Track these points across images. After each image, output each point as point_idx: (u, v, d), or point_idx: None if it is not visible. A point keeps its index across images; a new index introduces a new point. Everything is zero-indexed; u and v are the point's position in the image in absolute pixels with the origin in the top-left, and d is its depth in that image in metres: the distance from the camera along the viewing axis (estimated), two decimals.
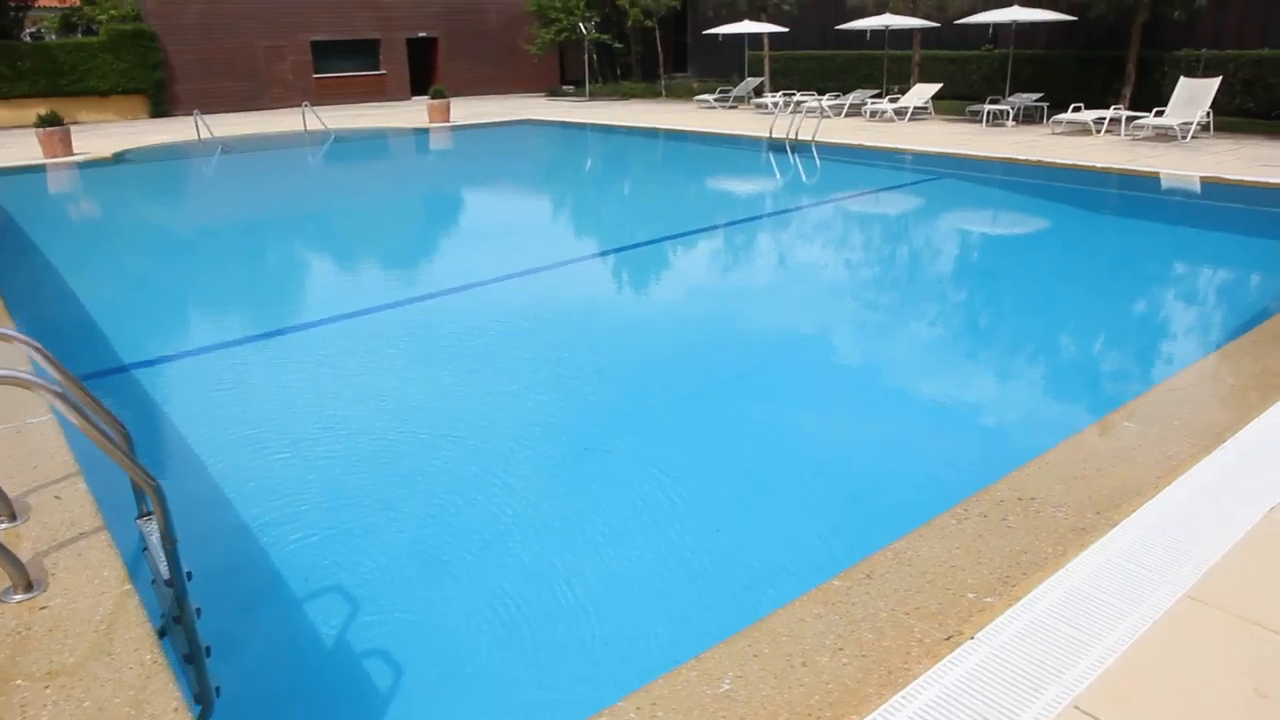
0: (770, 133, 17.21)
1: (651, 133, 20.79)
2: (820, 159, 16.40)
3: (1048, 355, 7.00)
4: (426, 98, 34.12)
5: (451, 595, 3.86)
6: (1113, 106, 18.02)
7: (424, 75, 34.47)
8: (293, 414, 5.81)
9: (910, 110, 20.71)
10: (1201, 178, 12.47)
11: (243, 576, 4.09)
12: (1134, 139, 16.69)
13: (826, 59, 26.80)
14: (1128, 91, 19.85)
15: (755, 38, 26.60)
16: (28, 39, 27.69)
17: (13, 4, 27.23)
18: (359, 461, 5.06)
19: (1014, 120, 19.76)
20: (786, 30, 25.88)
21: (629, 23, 31.20)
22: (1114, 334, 7.35)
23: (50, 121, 17.81)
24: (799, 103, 21.72)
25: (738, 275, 9.72)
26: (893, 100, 21.45)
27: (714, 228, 11.87)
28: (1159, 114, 17.30)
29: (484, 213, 14.32)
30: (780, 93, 24.68)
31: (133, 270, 10.35)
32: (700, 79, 31.95)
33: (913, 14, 22.28)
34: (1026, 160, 14.21)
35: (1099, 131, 17.61)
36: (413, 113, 24.79)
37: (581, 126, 22.45)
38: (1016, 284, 9.06)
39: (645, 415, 5.73)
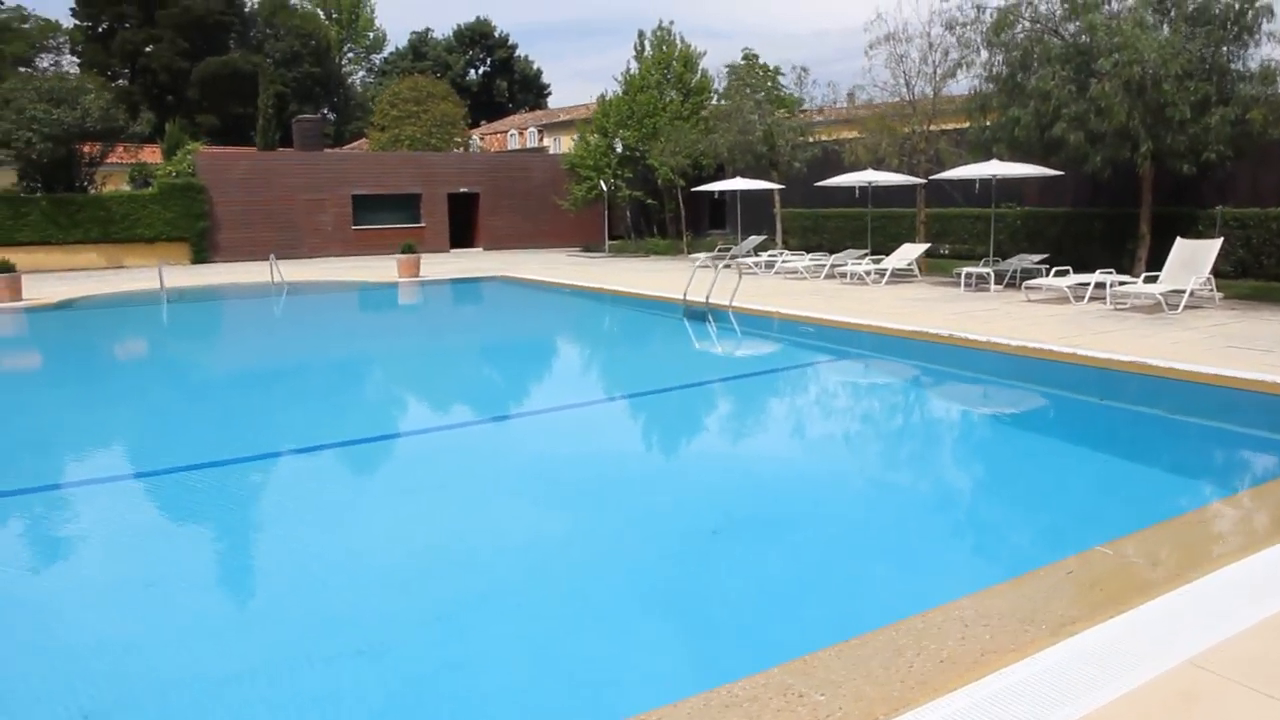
0: (685, 295, 15.57)
1: (595, 294, 19.57)
2: (717, 328, 14.66)
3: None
4: (468, 249, 34.79)
5: None
6: (1098, 271, 15.52)
7: (465, 228, 34.98)
8: None
9: (888, 272, 18.70)
10: (1129, 363, 9.96)
11: None
12: (1116, 309, 14.17)
13: (854, 217, 25.25)
14: (1143, 253, 17.31)
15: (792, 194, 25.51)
16: (93, 191, 29.65)
17: (85, 161, 29.38)
18: None
19: (1001, 284, 17.44)
20: (781, 188, 24.63)
21: (660, 181, 30.79)
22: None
23: (2, 269, 18.28)
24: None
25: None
26: (875, 261, 19.51)
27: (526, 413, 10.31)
28: (1149, 280, 14.74)
29: (358, 371, 13.34)
30: (767, 253, 23.17)
31: None
32: (733, 236, 30.89)
33: (910, 170, 20.56)
34: (938, 337, 12.00)
35: (1083, 299, 15.11)
36: (382, 268, 24.64)
37: (545, 286, 21.52)
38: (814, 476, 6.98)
39: None
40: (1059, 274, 16.04)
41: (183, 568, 5.67)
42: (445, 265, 27.24)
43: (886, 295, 16.63)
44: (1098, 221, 20.17)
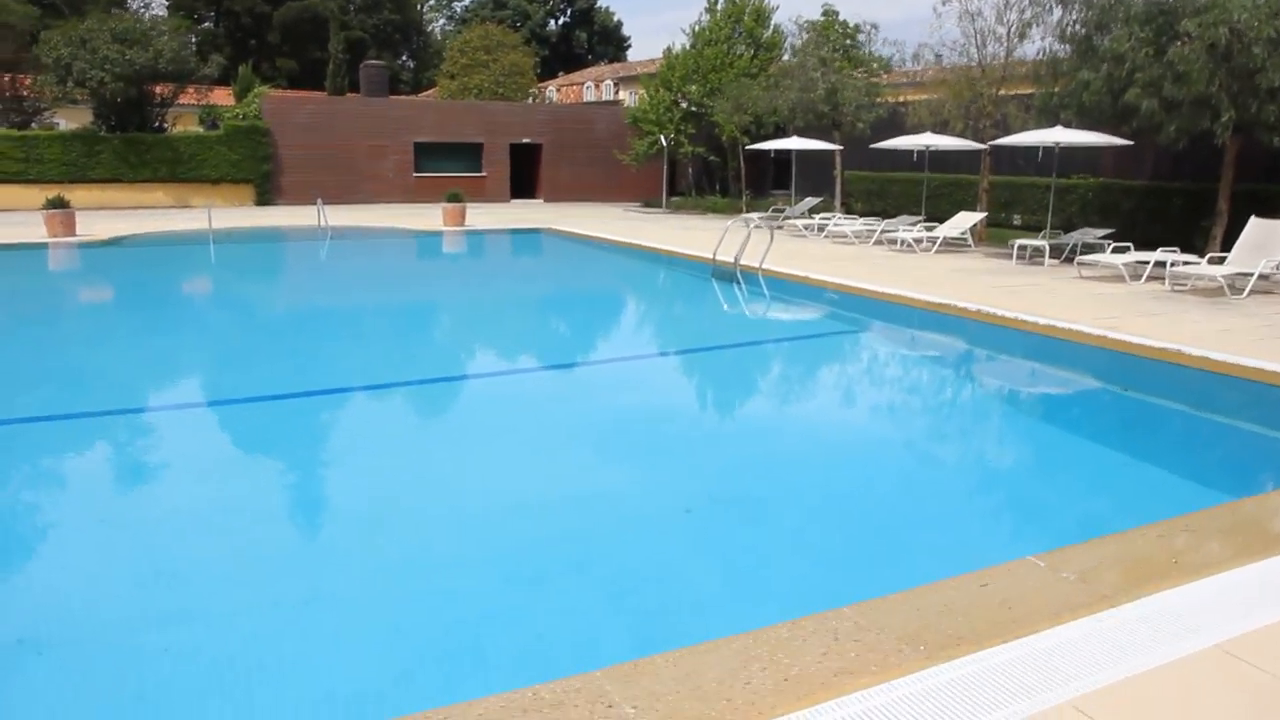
0: (714, 255, 15.03)
1: (629, 250, 19.14)
2: (736, 291, 14.12)
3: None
4: (529, 200, 34.60)
5: None
6: (1161, 249, 14.42)
7: (527, 179, 34.76)
8: None
9: (939, 240, 17.77)
10: (1160, 350, 9.15)
11: None
12: (1174, 290, 13.15)
13: (920, 182, 24.16)
14: (1218, 233, 16.07)
15: (849, 155, 24.55)
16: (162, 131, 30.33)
17: (156, 102, 30.01)
18: None
19: (1059, 259, 16.40)
20: (839, 149, 23.63)
21: (724, 138, 30.00)
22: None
23: (56, 205, 18.76)
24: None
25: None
26: (929, 228, 18.58)
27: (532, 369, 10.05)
28: (1215, 261, 13.63)
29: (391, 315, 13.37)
30: (820, 215, 22.32)
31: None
32: (795, 197, 30.00)
33: (975, 135, 19.43)
34: (963, 311, 11.28)
35: (1139, 278, 14.09)
36: (434, 215, 24.56)
37: (582, 239, 21.17)
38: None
39: None
40: (1118, 250, 14.97)
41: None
42: (495, 216, 27.11)
43: (931, 264, 15.80)
44: (1177, 197, 18.86)
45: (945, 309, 11.41)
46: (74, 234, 18.99)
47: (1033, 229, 20.33)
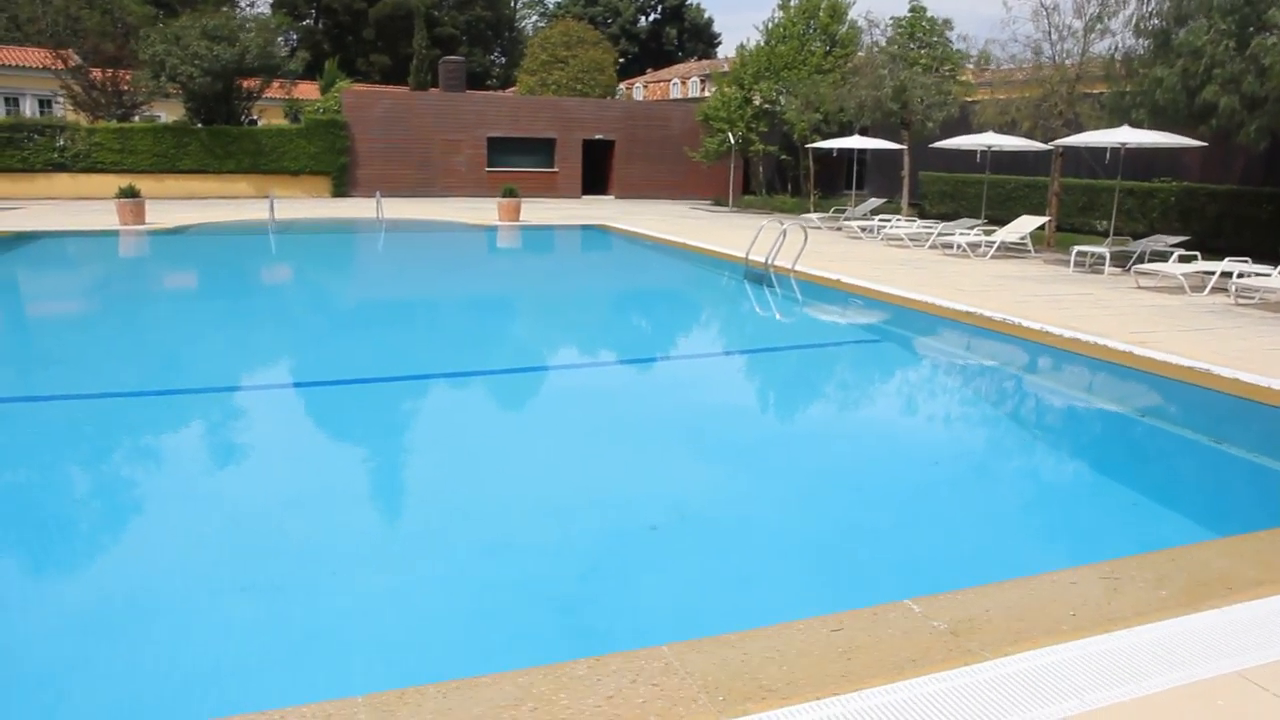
0: (747, 255, 14.60)
1: (671, 249, 18.83)
2: (761, 293, 13.67)
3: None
4: (601, 196, 34.58)
5: None
6: (1228, 259, 13.35)
7: (599, 175, 34.77)
8: None
9: (996, 245, 16.90)
10: (1188, 369, 8.41)
11: None
12: (1238, 303, 12.16)
13: (996, 184, 23.14)
14: None
15: (923, 155, 23.73)
16: (249, 125, 31.51)
17: (243, 96, 31.19)
18: None
19: (1124, 267, 15.37)
20: (901, 148, 22.79)
21: (795, 136, 29.37)
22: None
23: (127, 194, 19.60)
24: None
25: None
26: (987, 232, 17.71)
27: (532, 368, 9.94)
28: None
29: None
30: (880, 216, 21.55)
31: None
32: (866, 197, 29.16)
33: (1047, 136, 18.42)
34: (988, 321, 10.63)
35: (1202, 290, 13.09)
36: (488, 210, 24.67)
37: (631, 237, 20.95)
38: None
39: None
40: (1184, 259, 13.94)
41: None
42: (558, 212, 27.16)
43: (978, 270, 15.03)
44: (1267, 203, 17.51)
45: (967, 318, 10.78)
46: (143, 222, 19.78)
47: (1116, 236, 19.17)
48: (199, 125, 29.40)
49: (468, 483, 6.23)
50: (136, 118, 31.20)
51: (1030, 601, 4.00)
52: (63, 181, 27.41)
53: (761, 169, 32.92)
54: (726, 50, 66.65)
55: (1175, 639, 3.64)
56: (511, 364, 10.04)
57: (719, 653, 3.47)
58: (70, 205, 24.68)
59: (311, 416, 7.97)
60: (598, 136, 34.01)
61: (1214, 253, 15.58)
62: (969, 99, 22.41)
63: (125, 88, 30.33)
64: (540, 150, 33.62)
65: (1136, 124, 15.50)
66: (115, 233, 19.27)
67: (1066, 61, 18.23)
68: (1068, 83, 18.02)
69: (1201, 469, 7.03)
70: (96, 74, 29.54)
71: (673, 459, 6.81)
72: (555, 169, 33.74)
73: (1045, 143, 17.89)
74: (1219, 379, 8.08)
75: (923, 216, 23.29)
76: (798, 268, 13.96)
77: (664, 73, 57.01)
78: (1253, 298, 12.42)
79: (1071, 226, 20.92)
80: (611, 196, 34.56)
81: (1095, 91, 18.32)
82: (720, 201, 32.33)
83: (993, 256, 16.81)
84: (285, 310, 13.32)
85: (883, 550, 5.28)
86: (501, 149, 32.98)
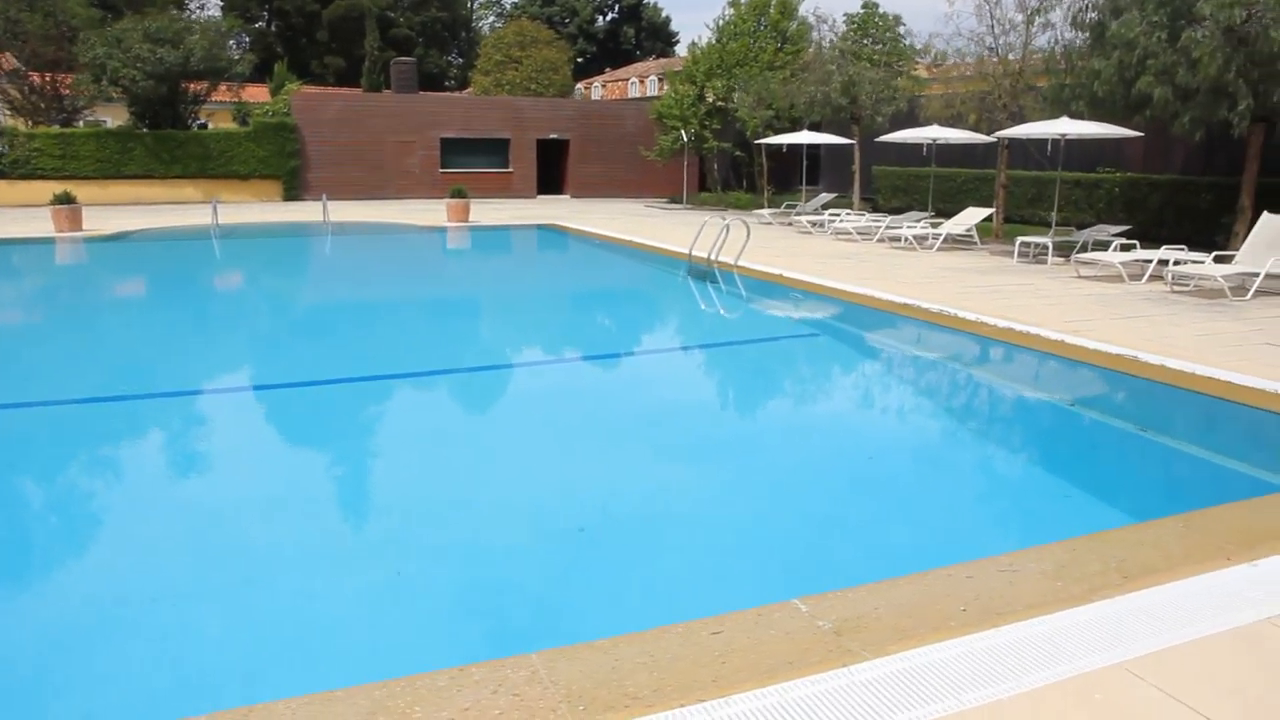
0: (690, 251, 14.52)
1: (615, 246, 18.74)
2: (702, 288, 13.59)
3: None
4: (556, 196, 34.37)
5: None
6: (1165, 247, 13.49)
7: (555, 175, 34.57)
8: None
9: (943, 237, 16.95)
10: (1116, 356, 8.41)
11: None
12: (1174, 291, 12.26)
13: (947, 177, 23.28)
14: (1240, 229, 15.02)
15: (877, 150, 23.79)
16: (197, 129, 30.91)
17: (189, 100, 30.59)
18: None
19: (1066, 258, 15.47)
20: (849, 143, 22.88)
21: (748, 133, 29.34)
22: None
23: (63, 200, 19.11)
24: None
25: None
26: (935, 225, 17.77)
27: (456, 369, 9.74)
28: (1220, 260, 12.67)
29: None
30: (830, 211, 21.59)
31: None
32: (816, 193, 29.24)
33: (991, 129, 18.53)
34: (924, 313, 10.61)
35: (1140, 278, 13.19)
36: (439, 212, 24.41)
37: (578, 235, 20.84)
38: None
39: None
40: (1125, 248, 14.06)
41: None
42: (509, 212, 26.94)
43: (922, 263, 15.05)
44: (1205, 192, 17.74)
45: (905, 310, 10.76)
46: (80, 229, 19.31)
47: (1061, 226, 19.32)
48: (144, 130, 28.79)
49: (395, 484, 6.07)
50: (80, 122, 30.52)
51: (922, 598, 3.91)
52: (0, 189, 26.74)
53: (716, 166, 32.90)
54: (684, 49, 66.67)
55: (1063, 632, 3.56)
56: (443, 365, 9.86)
57: (590, 659, 3.34)
58: (8, 213, 24.08)
59: (235, 421, 7.74)
60: (552, 136, 33.82)
61: (1157, 242, 15.76)
62: (918, 93, 22.50)
63: (66, 92, 29.65)
64: (494, 151, 33.37)
65: (1076, 115, 15.63)
66: (51, 240, 18.79)
67: (1009, 55, 18.35)
68: (1011, 76, 18.15)
69: (1120, 456, 7.01)
70: (36, 78, 28.82)
71: (602, 458, 6.67)
72: (510, 169, 33.50)
73: (989, 135, 17.99)
74: (1146, 366, 8.09)
75: (876, 211, 23.37)
76: (741, 263, 13.89)
77: (622, 72, 56.82)
78: (1188, 285, 12.53)
79: (1021, 218, 21.07)
80: (568, 196, 34.38)
81: (1039, 85, 18.46)
82: (676, 199, 32.26)
83: (939, 249, 16.86)
84: (223, 314, 13.01)
85: (793, 547, 5.18)
86: (455, 150, 32.68)
